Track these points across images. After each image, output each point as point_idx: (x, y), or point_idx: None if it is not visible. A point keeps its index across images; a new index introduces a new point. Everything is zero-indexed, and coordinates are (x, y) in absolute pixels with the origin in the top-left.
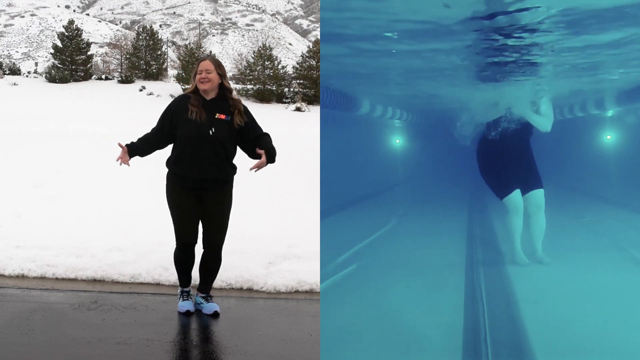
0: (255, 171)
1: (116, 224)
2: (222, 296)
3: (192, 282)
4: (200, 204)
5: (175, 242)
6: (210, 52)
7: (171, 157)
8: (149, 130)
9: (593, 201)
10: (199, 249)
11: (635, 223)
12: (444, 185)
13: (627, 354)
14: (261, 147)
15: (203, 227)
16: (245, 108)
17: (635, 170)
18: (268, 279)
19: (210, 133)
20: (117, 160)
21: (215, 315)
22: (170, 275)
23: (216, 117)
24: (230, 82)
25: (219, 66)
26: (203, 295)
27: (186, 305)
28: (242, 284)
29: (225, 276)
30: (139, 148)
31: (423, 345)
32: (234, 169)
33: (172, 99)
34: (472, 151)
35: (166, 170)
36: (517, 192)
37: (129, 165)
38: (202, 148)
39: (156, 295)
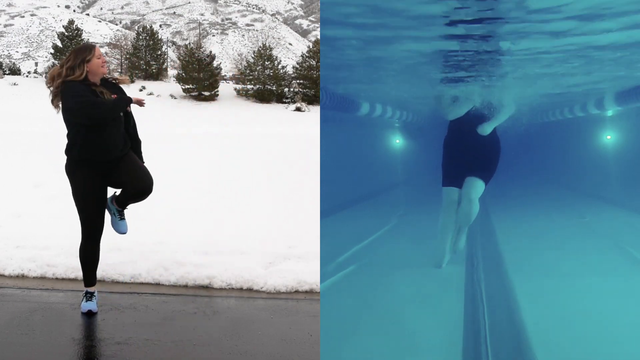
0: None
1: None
2: (222, 296)
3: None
4: (105, 187)
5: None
6: (211, 52)
7: (74, 142)
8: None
9: (593, 201)
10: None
11: (635, 223)
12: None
13: (627, 354)
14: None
15: (123, 182)
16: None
17: (635, 170)
18: (268, 279)
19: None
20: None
21: (122, 233)
22: (170, 275)
23: (112, 97)
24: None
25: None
26: (120, 208)
27: (89, 306)
28: (242, 284)
29: (225, 276)
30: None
31: (423, 345)
32: (127, 142)
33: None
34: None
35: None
36: (453, 189)
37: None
38: (111, 129)
39: (156, 295)
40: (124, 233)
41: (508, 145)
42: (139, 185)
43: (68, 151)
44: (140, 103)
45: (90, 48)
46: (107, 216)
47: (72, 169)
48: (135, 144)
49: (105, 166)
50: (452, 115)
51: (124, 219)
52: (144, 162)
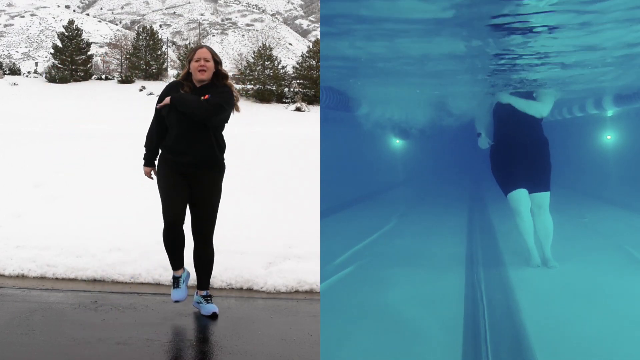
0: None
1: (116, 224)
2: (222, 296)
3: (191, 281)
4: (189, 188)
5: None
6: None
7: (165, 142)
8: (148, 128)
9: (593, 201)
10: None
11: (635, 223)
12: (444, 185)
13: (627, 354)
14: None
15: (192, 214)
16: (225, 91)
17: (635, 170)
18: (268, 279)
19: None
20: (151, 177)
21: (214, 316)
22: (171, 275)
23: (202, 99)
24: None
25: (215, 54)
26: (203, 294)
27: (176, 295)
28: (242, 284)
29: (225, 276)
30: (155, 154)
31: (423, 345)
32: (222, 151)
33: (165, 86)
34: (473, 151)
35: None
36: (520, 191)
37: (155, 174)
38: (189, 131)
39: (156, 295)
40: (216, 313)
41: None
42: (195, 226)
43: (162, 147)
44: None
45: (194, 50)
46: (93, 232)
47: (160, 164)
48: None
49: (185, 169)
50: (544, 112)
51: (210, 302)
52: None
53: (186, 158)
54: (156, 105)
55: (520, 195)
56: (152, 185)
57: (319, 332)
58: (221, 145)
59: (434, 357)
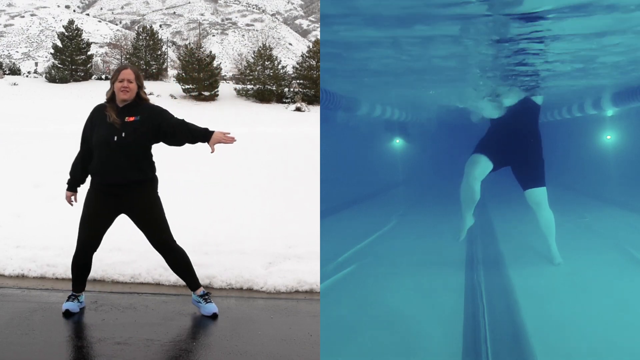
0: (212, 152)
1: (116, 224)
2: (222, 296)
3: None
4: (117, 210)
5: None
6: (211, 52)
7: (90, 166)
8: (76, 154)
9: (593, 201)
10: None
11: (635, 223)
12: (444, 185)
13: (627, 354)
14: (191, 137)
15: (143, 232)
16: (157, 107)
17: (635, 170)
18: (268, 279)
19: (116, 138)
20: (71, 203)
21: (214, 317)
22: (171, 275)
23: (126, 120)
24: (230, 82)
25: (137, 77)
26: (199, 294)
27: (68, 305)
28: (242, 284)
29: (225, 276)
30: (81, 180)
31: (423, 345)
32: (151, 168)
33: (91, 110)
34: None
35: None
36: (481, 156)
37: (75, 201)
38: (112, 153)
39: (156, 295)
40: (216, 314)
41: None
42: (151, 239)
43: (89, 171)
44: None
45: (118, 71)
46: (105, 237)
47: (90, 187)
48: (187, 137)
49: (115, 190)
50: (493, 114)
51: (210, 301)
52: (204, 136)
53: (115, 180)
54: (83, 131)
55: (481, 161)
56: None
57: (319, 332)
58: (150, 161)
59: (434, 356)
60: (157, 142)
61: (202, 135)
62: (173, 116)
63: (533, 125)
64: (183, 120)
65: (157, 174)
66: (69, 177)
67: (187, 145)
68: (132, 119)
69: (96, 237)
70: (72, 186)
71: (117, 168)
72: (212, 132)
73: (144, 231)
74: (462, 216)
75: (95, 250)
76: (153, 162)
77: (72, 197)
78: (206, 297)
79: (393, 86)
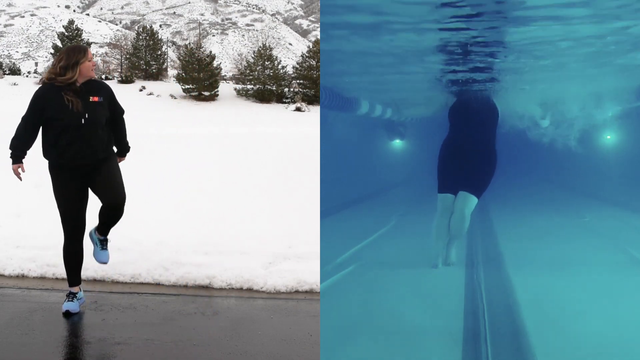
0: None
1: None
2: (222, 296)
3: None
4: (86, 186)
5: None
6: (211, 52)
7: (53, 148)
8: (18, 127)
9: (593, 201)
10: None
11: (635, 223)
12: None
13: (627, 354)
14: (118, 145)
15: (98, 193)
16: (108, 87)
17: (635, 170)
18: (268, 279)
19: (83, 121)
20: (20, 176)
21: (103, 263)
22: (171, 275)
23: (90, 100)
24: (230, 82)
25: None
26: (102, 237)
27: (68, 306)
28: (242, 284)
29: (225, 276)
30: (25, 153)
31: (423, 345)
32: (112, 143)
33: (39, 92)
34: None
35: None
36: (448, 196)
37: (24, 171)
38: (81, 135)
39: (156, 295)
40: (105, 263)
41: (508, 144)
42: (109, 199)
43: (45, 155)
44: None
45: (84, 50)
46: (88, 218)
47: (53, 172)
48: (121, 147)
49: (84, 169)
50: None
51: (105, 249)
52: (125, 154)
53: (86, 161)
54: (33, 107)
55: (447, 199)
56: (152, 185)
57: (319, 332)
58: (110, 137)
59: (434, 356)
60: None
61: (122, 148)
62: (120, 107)
63: (490, 141)
64: (122, 119)
65: (132, 157)
66: (13, 151)
67: (184, 145)
68: (96, 99)
69: (81, 220)
70: (19, 158)
71: (88, 149)
72: (127, 151)
73: (101, 190)
74: (434, 246)
75: (84, 234)
76: (111, 137)
77: (20, 169)
78: (105, 243)
79: (394, 85)
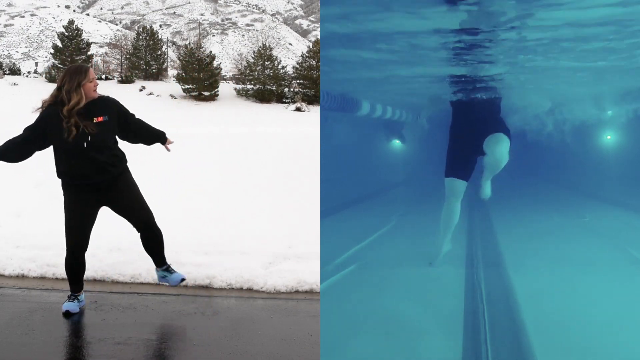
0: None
1: (116, 224)
2: (222, 296)
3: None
4: (98, 204)
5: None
6: (211, 52)
7: (63, 169)
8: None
9: (593, 201)
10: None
11: (635, 223)
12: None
13: (627, 354)
14: (152, 137)
15: (123, 216)
16: (117, 102)
17: (635, 170)
18: (268, 279)
19: (86, 145)
20: None
21: (182, 281)
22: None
23: (95, 121)
24: (230, 82)
25: None
26: (163, 268)
27: (67, 306)
28: (242, 284)
29: (225, 276)
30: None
31: (423, 345)
32: (123, 159)
33: (45, 113)
34: None
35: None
36: (457, 181)
37: None
38: (85, 157)
39: (156, 295)
40: (183, 280)
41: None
42: (136, 220)
43: (58, 175)
44: None
45: (85, 71)
46: (93, 233)
47: (64, 189)
48: (156, 137)
49: (99, 186)
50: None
51: (174, 271)
52: (165, 139)
53: (91, 181)
54: (35, 127)
55: (456, 184)
56: (152, 186)
57: (319, 332)
58: (120, 153)
59: (434, 356)
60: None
61: (158, 137)
62: (130, 112)
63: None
64: (141, 120)
65: (129, 157)
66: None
67: (184, 146)
68: (100, 119)
69: (84, 237)
70: None
71: (91, 170)
72: (165, 134)
73: (126, 213)
74: (440, 241)
75: (86, 250)
76: (123, 153)
77: None
78: (169, 268)
79: (393, 86)
